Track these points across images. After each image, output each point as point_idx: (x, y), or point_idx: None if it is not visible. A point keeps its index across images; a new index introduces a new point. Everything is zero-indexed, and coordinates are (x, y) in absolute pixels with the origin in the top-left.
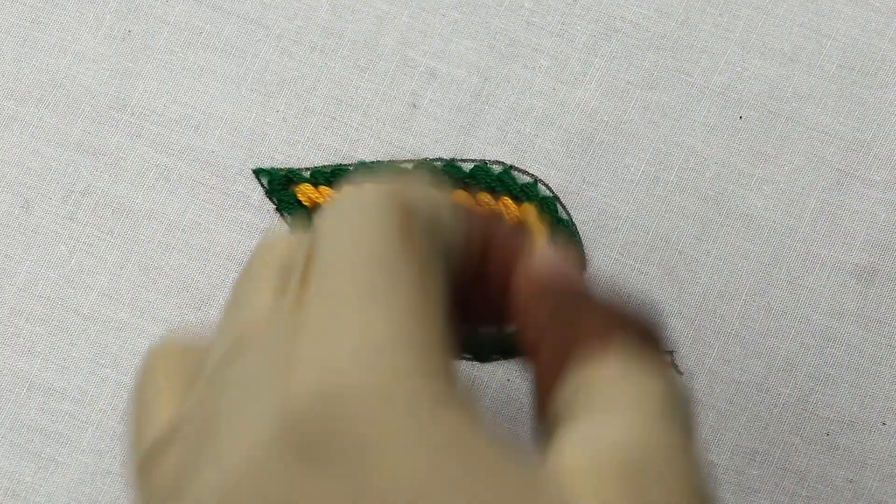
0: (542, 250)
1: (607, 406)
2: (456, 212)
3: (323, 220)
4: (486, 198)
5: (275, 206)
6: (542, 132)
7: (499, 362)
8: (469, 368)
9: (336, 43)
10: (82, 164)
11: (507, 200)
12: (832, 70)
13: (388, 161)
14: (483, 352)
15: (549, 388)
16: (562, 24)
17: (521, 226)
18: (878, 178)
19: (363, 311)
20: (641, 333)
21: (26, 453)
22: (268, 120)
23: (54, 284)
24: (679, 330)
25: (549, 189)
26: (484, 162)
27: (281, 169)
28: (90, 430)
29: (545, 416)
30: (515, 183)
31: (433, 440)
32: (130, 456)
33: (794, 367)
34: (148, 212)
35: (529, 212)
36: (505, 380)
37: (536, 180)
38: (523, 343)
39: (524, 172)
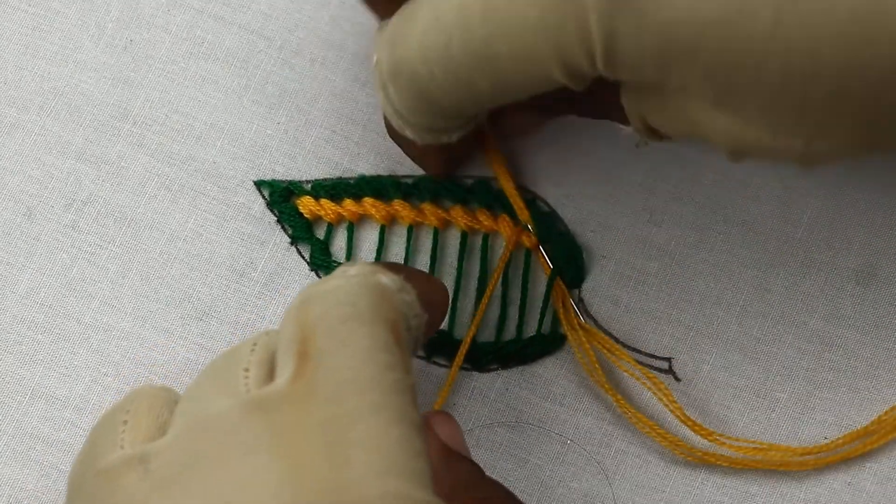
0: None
1: None
2: (413, 297)
3: (314, 311)
4: (484, 215)
5: (276, 218)
6: (540, 147)
7: (497, 372)
8: (468, 378)
9: (337, 55)
10: (84, 172)
11: (506, 219)
12: None
13: (388, 175)
14: (481, 362)
15: None
16: None
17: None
18: (875, 183)
19: (367, 416)
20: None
21: (28, 461)
22: (269, 132)
23: (56, 293)
24: (677, 337)
25: (547, 204)
26: (483, 178)
27: (282, 181)
28: None
29: None
30: None
31: None
32: (86, 461)
33: (792, 371)
34: (149, 221)
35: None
36: (503, 389)
37: (535, 197)
38: None
39: (523, 188)
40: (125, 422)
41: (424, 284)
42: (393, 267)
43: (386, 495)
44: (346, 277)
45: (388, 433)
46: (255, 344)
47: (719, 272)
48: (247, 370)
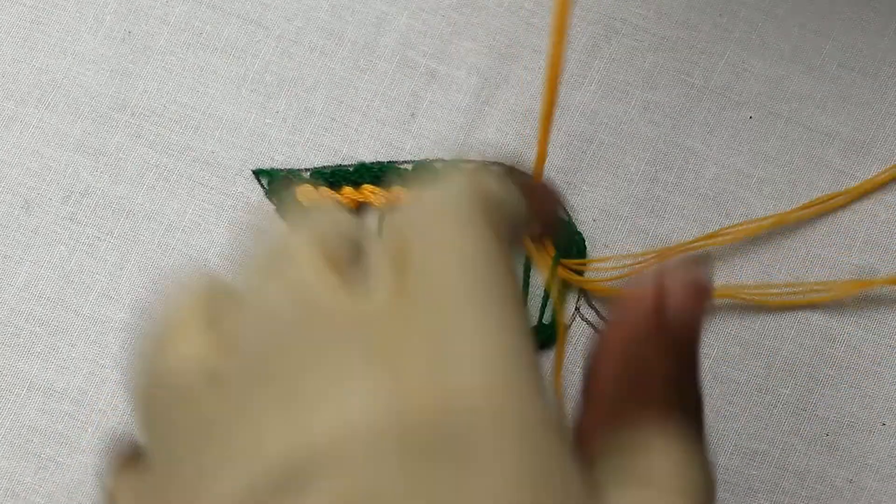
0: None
1: (658, 484)
2: (521, 201)
3: (411, 216)
4: None
5: (275, 207)
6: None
7: None
8: None
9: (336, 43)
10: (82, 164)
11: None
12: (832, 70)
13: (387, 162)
14: None
15: (596, 427)
16: None
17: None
18: (878, 179)
19: (475, 322)
20: (695, 420)
21: (26, 454)
22: (267, 120)
23: (54, 285)
24: None
25: None
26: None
27: (281, 170)
28: (90, 430)
29: (585, 444)
30: None
31: (535, 463)
32: (140, 369)
33: (794, 367)
34: (148, 212)
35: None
36: None
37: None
38: (586, 371)
39: (523, 173)
40: (177, 333)
41: (534, 192)
42: (500, 172)
43: (492, 402)
44: (449, 182)
45: (496, 341)
46: (306, 241)
47: (721, 266)
48: (315, 272)
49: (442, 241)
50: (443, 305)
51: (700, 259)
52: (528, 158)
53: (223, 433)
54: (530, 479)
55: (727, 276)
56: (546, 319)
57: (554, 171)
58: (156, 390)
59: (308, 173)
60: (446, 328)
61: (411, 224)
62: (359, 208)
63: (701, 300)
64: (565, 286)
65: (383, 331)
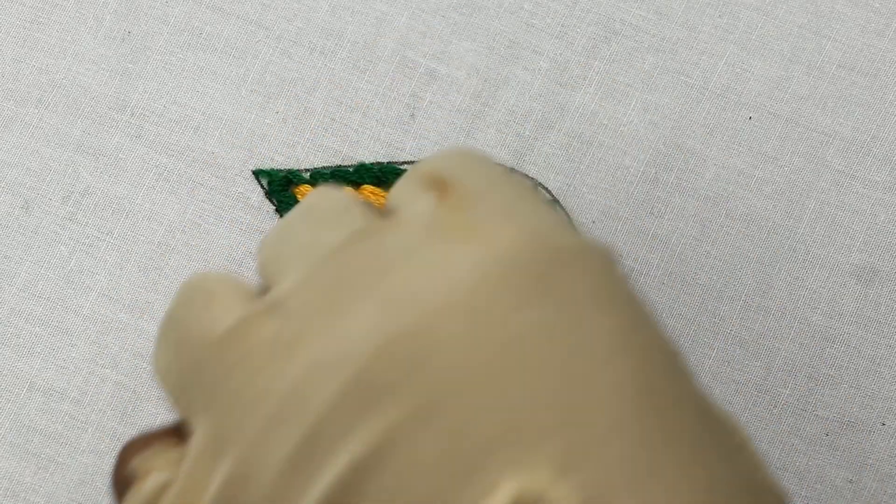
0: None
1: None
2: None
3: (434, 162)
4: None
5: (274, 208)
6: (541, 135)
7: None
8: None
9: (336, 44)
10: (82, 164)
11: None
12: (832, 71)
13: (387, 163)
14: None
15: None
16: (562, 26)
17: None
18: (878, 179)
19: (531, 204)
20: None
21: (26, 454)
22: (267, 121)
23: (54, 285)
24: (679, 331)
25: (549, 192)
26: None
27: (281, 170)
28: (90, 430)
29: None
30: None
31: (627, 296)
32: (190, 340)
33: (794, 367)
34: (147, 212)
35: None
36: None
37: (536, 184)
38: None
39: (524, 175)
40: (212, 294)
41: None
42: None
43: (577, 242)
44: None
45: (547, 208)
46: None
47: (721, 266)
48: (347, 209)
49: (471, 165)
50: (492, 192)
51: None
52: (527, 160)
53: (313, 338)
54: (633, 316)
55: (726, 277)
56: None
57: (554, 173)
58: (215, 349)
59: (308, 174)
60: (504, 207)
61: (436, 165)
62: None
63: None
64: None
65: (449, 222)
